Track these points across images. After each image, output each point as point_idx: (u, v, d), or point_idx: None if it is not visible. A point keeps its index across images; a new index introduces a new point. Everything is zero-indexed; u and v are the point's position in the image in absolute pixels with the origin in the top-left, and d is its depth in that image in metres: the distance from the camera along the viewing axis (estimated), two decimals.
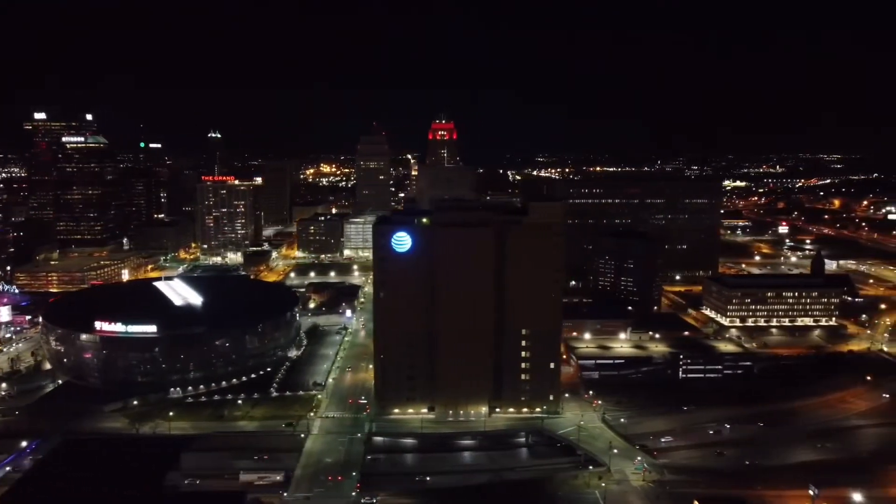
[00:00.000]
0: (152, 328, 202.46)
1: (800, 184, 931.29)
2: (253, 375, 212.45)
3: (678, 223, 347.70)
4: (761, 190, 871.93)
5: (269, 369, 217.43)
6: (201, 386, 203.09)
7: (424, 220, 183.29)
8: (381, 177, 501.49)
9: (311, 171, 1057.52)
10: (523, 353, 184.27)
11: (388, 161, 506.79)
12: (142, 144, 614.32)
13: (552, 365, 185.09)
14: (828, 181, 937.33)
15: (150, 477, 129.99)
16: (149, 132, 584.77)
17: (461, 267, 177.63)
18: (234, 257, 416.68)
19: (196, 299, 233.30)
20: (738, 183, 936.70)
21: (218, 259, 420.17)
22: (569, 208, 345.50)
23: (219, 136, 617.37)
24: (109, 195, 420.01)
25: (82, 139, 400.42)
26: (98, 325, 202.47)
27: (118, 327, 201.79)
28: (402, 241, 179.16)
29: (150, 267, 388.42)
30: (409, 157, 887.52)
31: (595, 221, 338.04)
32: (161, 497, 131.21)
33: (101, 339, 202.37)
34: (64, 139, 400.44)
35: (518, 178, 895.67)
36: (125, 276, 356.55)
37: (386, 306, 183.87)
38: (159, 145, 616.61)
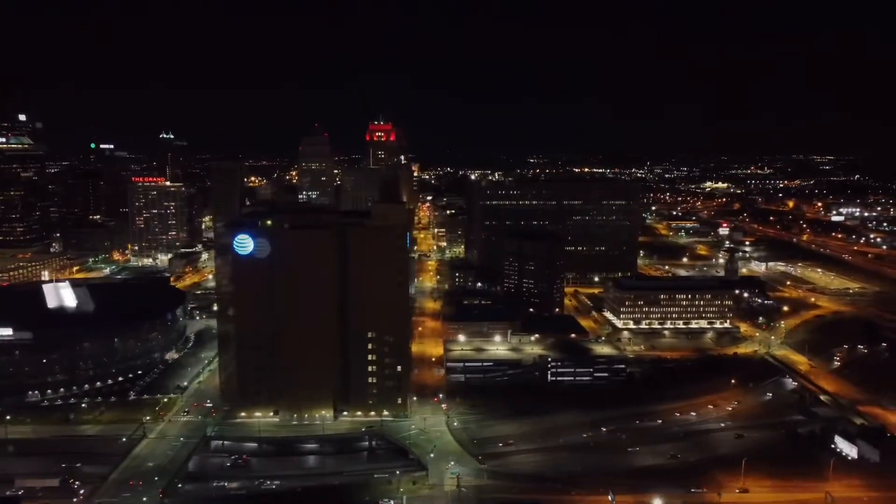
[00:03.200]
0: (7, 331, 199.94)
1: (781, 185, 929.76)
2: (121, 379, 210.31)
3: (597, 224, 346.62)
4: (739, 192, 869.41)
5: (139, 372, 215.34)
6: (62, 389, 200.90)
7: (269, 221, 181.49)
8: (324, 178, 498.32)
9: (295, 172, 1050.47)
10: (370, 357, 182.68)
11: (330, 162, 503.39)
12: (92, 145, 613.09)
13: (399, 367, 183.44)
14: (811, 182, 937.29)
15: None
16: (106, 133, 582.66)
17: (302, 269, 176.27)
18: (165, 259, 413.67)
19: (72, 302, 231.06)
20: (719, 184, 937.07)
21: (149, 261, 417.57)
22: (488, 210, 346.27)
23: (171, 136, 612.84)
24: (35, 197, 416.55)
25: (3, 140, 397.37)
26: None
27: None
28: (244, 244, 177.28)
29: (75, 269, 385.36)
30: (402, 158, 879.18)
31: (512, 223, 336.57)
32: None
33: None
34: None
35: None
36: (45, 277, 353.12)
37: (228, 308, 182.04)
38: (111, 146, 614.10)
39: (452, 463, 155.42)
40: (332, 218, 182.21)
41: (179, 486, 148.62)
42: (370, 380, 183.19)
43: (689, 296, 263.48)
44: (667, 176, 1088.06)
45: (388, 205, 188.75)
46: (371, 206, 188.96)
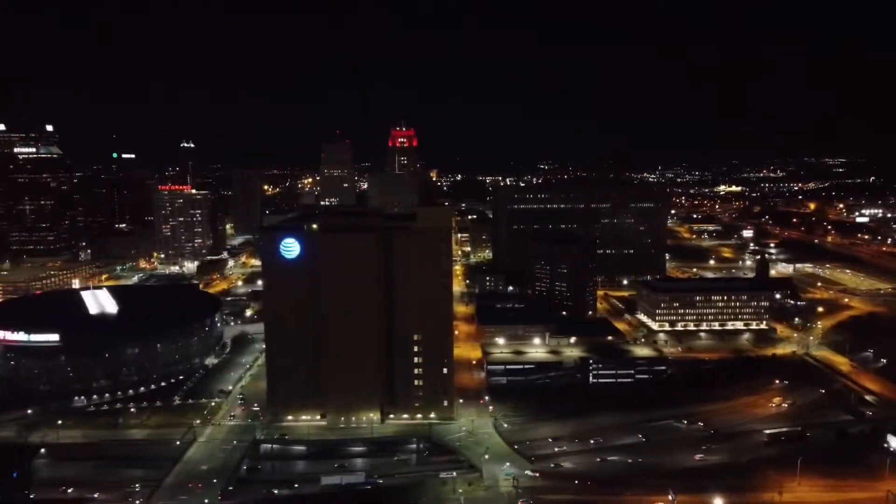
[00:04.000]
0: (54, 337, 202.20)
1: (795, 188, 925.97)
2: (163, 384, 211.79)
3: (625, 227, 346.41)
4: (754, 194, 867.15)
5: (181, 377, 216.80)
6: (107, 395, 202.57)
7: (314, 226, 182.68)
8: (345, 184, 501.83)
9: (308, 180, 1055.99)
10: (415, 359, 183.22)
11: (351, 168, 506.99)
12: (114, 155, 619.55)
13: (444, 370, 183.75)
14: (826, 184, 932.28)
15: None
16: (125, 144, 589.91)
17: (347, 272, 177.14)
18: (191, 266, 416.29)
19: (112, 308, 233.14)
20: (733, 188, 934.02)
21: (175, 268, 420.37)
22: (514, 214, 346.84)
23: (192, 145, 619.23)
24: (63, 205, 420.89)
25: (34, 150, 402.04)
26: (1, 334, 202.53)
27: (20, 336, 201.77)
28: (290, 248, 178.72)
29: (104, 276, 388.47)
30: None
31: (540, 226, 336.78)
32: None
33: (4, 347, 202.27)
34: (16, 150, 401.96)
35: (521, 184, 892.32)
36: (76, 285, 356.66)
37: (276, 313, 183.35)
38: (133, 156, 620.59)
39: (507, 465, 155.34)
40: (376, 221, 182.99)
41: (231, 488, 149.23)
42: (416, 382, 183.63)
43: (725, 297, 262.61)
44: (679, 180, 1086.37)
45: (432, 208, 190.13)
46: (414, 210, 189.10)
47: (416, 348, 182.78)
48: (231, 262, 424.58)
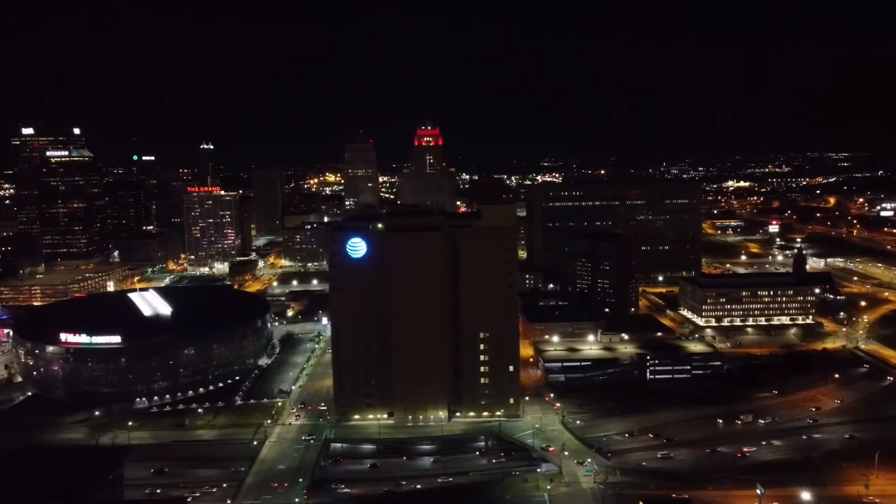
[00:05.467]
0: (116, 339, 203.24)
1: (804, 183, 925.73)
2: (220, 384, 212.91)
3: (659, 224, 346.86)
4: (763, 189, 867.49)
5: (237, 378, 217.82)
6: (167, 396, 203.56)
7: (379, 225, 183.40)
8: (370, 184, 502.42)
9: (315, 180, 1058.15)
10: (481, 357, 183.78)
11: (375, 168, 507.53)
12: (134, 157, 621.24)
13: (511, 367, 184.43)
14: (833, 179, 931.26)
15: (84, 486, 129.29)
16: (144, 145, 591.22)
17: (414, 271, 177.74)
18: (221, 267, 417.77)
19: (166, 309, 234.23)
20: (742, 183, 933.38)
21: (205, 269, 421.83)
22: (549, 211, 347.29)
23: (211, 147, 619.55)
24: (95, 208, 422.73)
25: (66, 153, 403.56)
26: (63, 336, 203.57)
27: (82, 338, 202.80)
28: (357, 247, 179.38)
29: (136, 279, 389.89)
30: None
31: (575, 224, 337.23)
32: None
33: (66, 350, 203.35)
34: (48, 153, 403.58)
35: (526, 182, 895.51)
36: (110, 288, 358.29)
37: (342, 312, 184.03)
38: (152, 157, 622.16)
39: (589, 460, 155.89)
40: (441, 220, 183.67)
41: (306, 489, 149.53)
42: (482, 380, 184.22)
43: (771, 292, 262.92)
44: (684, 176, 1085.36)
45: (497, 206, 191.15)
46: (479, 208, 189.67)
47: (482, 346, 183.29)
48: (261, 263, 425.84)
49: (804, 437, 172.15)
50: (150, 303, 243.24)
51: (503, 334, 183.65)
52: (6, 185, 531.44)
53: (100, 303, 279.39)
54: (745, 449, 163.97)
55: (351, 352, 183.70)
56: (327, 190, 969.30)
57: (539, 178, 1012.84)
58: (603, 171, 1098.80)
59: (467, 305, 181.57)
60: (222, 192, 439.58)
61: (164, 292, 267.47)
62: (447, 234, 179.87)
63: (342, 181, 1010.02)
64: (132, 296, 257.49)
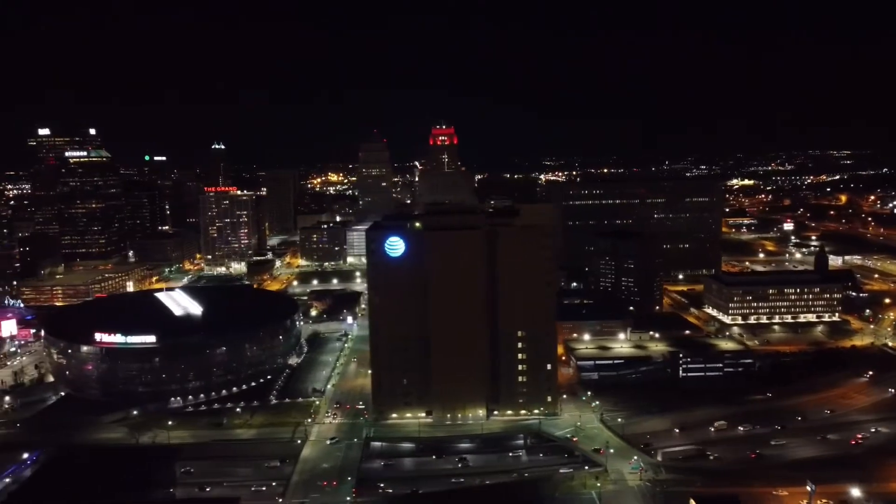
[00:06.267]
0: (151, 338, 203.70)
1: (808, 181, 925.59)
2: (253, 383, 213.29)
3: (680, 222, 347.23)
4: (769, 188, 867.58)
5: (269, 377, 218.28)
6: (201, 395, 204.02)
7: (417, 224, 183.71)
8: (383, 183, 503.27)
9: (318, 180, 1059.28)
10: (519, 356, 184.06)
11: (389, 168, 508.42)
12: (146, 157, 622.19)
13: (548, 366, 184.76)
14: (836, 177, 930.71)
15: (143, 485, 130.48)
16: (152, 145, 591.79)
17: (453, 270, 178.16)
18: (238, 267, 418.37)
19: (196, 309, 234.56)
20: (746, 181, 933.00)
21: (222, 269, 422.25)
22: (569, 210, 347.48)
23: (223, 147, 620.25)
24: (113, 208, 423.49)
25: (85, 153, 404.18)
26: (97, 336, 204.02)
27: (117, 338, 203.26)
28: (395, 246, 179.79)
29: (154, 279, 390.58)
30: (417, 164, 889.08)
31: (595, 222, 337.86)
32: None
33: (101, 350, 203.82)
34: (67, 154, 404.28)
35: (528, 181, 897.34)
36: (129, 288, 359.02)
37: (380, 311, 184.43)
38: (164, 158, 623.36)
39: (635, 458, 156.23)
40: (479, 219, 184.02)
41: (354, 487, 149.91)
42: (520, 378, 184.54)
43: (798, 290, 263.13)
44: (687, 174, 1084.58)
45: (536, 205, 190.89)
46: (517, 207, 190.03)
47: (519, 345, 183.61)
48: (278, 263, 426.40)
49: (843, 433, 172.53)
50: (180, 302, 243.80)
51: (541, 333, 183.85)
52: (18, 186, 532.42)
53: (128, 303, 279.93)
54: (787, 445, 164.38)
55: (389, 350, 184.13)
56: (331, 190, 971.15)
57: (542, 177, 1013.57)
58: (606, 170, 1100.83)
59: (505, 304, 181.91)
60: (239, 192, 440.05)
61: (191, 292, 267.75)
62: (486, 232, 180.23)
63: (345, 181, 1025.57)
64: (160, 296, 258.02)
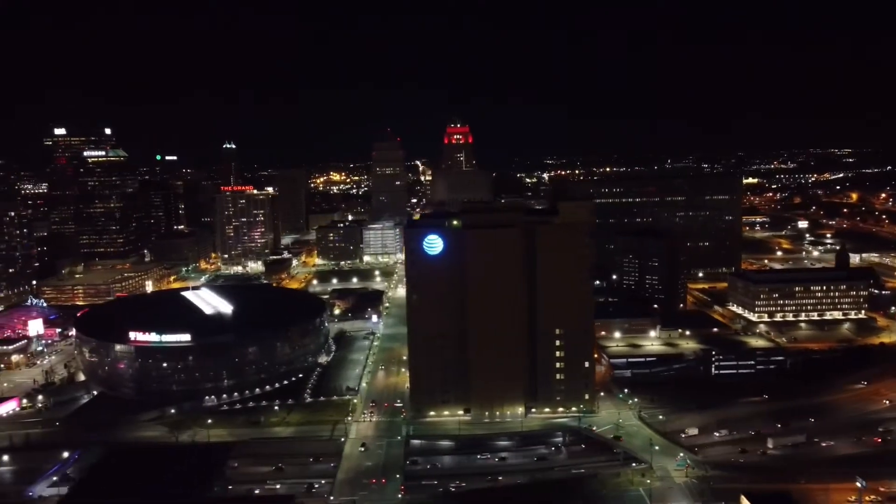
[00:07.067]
0: (186, 337, 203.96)
1: (812, 179, 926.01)
2: (285, 382, 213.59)
3: (699, 220, 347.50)
4: (774, 186, 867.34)
5: (300, 375, 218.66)
6: (235, 393, 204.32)
7: (455, 222, 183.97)
8: (397, 183, 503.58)
9: (321, 179, 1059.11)
10: (557, 353, 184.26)
11: (402, 167, 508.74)
12: (158, 157, 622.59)
13: (586, 364, 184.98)
14: (840, 175, 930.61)
15: (196, 484, 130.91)
16: (163, 145, 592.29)
17: (491, 268, 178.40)
18: (255, 266, 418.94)
19: (226, 308, 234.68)
20: (751, 179, 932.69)
21: (239, 268, 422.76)
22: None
23: (234, 146, 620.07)
24: (130, 208, 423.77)
25: (103, 153, 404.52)
26: (132, 335, 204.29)
27: (152, 337, 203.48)
28: (434, 244, 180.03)
29: (172, 278, 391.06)
30: (418, 162, 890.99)
31: (616, 221, 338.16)
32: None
33: (136, 349, 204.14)
34: (85, 153, 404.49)
35: (529, 180, 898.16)
36: (149, 287, 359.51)
37: (419, 309, 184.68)
38: (175, 157, 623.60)
39: (681, 455, 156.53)
40: (517, 216, 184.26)
41: (402, 484, 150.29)
42: (558, 376, 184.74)
43: (824, 287, 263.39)
44: (690, 173, 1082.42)
45: (574, 202, 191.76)
46: (554, 204, 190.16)
47: (557, 342, 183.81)
48: (295, 262, 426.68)
49: (882, 430, 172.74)
50: (209, 301, 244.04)
51: (578, 330, 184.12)
52: (33, 185, 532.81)
53: (156, 302, 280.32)
54: (822, 442, 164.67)
55: (427, 348, 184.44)
56: (334, 189, 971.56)
57: (545, 175, 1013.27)
58: (608, 168, 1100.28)
59: (544, 301, 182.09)
60: (255, 191, 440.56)
61: (217, 291, 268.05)
62: (525, 230, 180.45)
63: (349, 180, 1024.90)
64: (187, 294, 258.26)
